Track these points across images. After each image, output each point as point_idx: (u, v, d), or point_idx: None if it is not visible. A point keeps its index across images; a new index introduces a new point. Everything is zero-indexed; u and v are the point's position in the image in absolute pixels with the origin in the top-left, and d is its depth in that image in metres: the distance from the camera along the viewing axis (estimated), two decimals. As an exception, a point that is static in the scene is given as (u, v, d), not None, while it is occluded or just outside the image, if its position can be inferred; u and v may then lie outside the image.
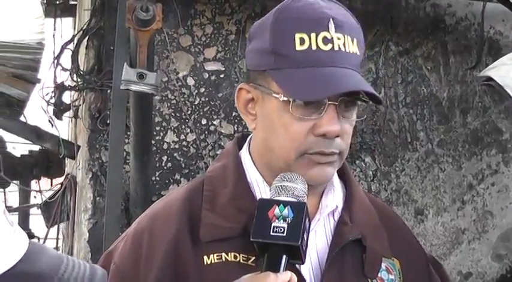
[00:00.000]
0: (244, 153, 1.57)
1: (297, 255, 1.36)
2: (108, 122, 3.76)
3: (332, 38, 1.44)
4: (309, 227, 1.38)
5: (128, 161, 3.73)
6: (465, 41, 4.51)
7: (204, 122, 4.02)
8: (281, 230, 1.34)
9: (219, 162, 1.60)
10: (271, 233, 1.34)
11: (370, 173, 4.34)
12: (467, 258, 4.51)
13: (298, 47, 1.44)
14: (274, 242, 1.35)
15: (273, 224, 1.35)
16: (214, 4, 4.04)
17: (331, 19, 1.45)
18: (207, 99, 4.02)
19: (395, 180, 4.38)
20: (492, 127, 4.61)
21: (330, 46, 1.44)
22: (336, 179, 1.59)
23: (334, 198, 1.56)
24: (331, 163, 1.47)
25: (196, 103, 4.01)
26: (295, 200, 1.38)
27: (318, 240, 1.52)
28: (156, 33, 3.23)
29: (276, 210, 1.36)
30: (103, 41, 3.94)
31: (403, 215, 4.27)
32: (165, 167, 3.96)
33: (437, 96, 4.48)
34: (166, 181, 3.95)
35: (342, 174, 1.62)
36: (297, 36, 1.44)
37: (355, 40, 1.47)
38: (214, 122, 4.03)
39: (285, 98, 1.44)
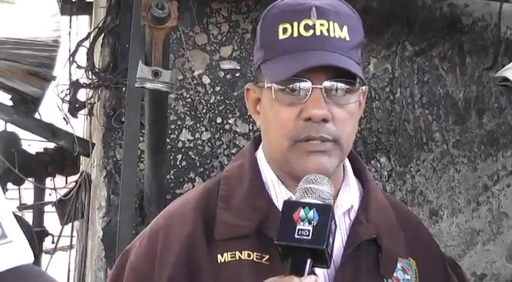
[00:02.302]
0: (260, 153, 1.59)
1: (322, 258, 1.33)
2: (122, 120, 3.76)
3: (314, 24, 1.46)
4: (335, 230, 1.36)
5: (142, 159, 3.73)
6: (482, 41, 4.50)
7: (219, 120, 4.02)
8: (306, 233, 1.31)
9: (236, 162, 1.62)
10: (296, 236, 1.31)
11: (385, 173, 4.33)
12: (482, 259, 4.49)
13: (281, 36, 1.47)
14: (299, 245, 1.32)
15: (298, 227, 1.31)
16: (231, 2, 4.04)
17: (313, 7, 1.47)
18: (222, 97, 4.02)
19: (411, 181, 4.37)
20: (508, 128, 4.59)
21: (311, 32, 1.46)
22: (351, 178, 1.59)
23: (349, 197, 1.56)
24: (325, 152, 1.46)
25: (211, 102, 4.01)
26: (321, 203, 1.35)
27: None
28: (171, 31, 3.23)
29: (301, 212, 1.32)
30: (118, 38, 3.95)
31: (418, 215, 4.26)
32: (180, 166, 3.96)
33: (453, 96, 4.46)
34: (181, 180, 3.95)
35: (359, 173, 1.62)
36: (281, 26, 1.47)
37: (344, 27, 1.48)
38: (230, 121, 4.03)
39: (269, 85, 1.47)
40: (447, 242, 4.40)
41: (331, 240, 1.33)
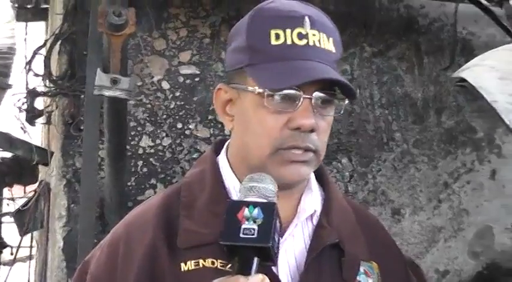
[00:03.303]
0: (221, 158, 1.58)
1: (268, 256, 1.33)
2: (81, 127, 3.74)
3: (307, 33, 1.46)
4: (280, 227, 1.36)
5: (102, 167, 3.71)
6: (438, 41, 4.55)
7: (179, 126, 4.01)
8: (251, 231, 1.31)
9: (196, 168, 1.60)
10: (241, 235, 1.31)
11: (347, 174, 4.36)
12: (444, 256, 4.55)
13: (274, 42, 1.46)
14: (244, 245, 1.32)
15: (243, 226, 1.32)
16: (188, 7, 4.04)
17: (306, 16, 1.47)
18: (182, 103, 4.01)
19: (372, 181, 4.40)
20: (466, 126, 4.65)
21: (304, 41, 1.46)
22: (313, 182, 1.59)
23: (312, 201, 1.56)
24: (306, 162, 1.47)
25: (171, 107, 4.00)
26: (265, 201, 1.35)
27: (296, 244, 1.52)
28: (129, 38, 3.22)
29: (246, 211, 1.32)
30: (75, 45, 3.92)
31: (380, 215, 4.29)
32: (141, 172, 3.95)
33: (412, 96, 4.51)
34: (142, 186, 3.94)
35: (320, 177, 1.63)
36: (272, 32, 1.46)
37: (331, 39, 1.49)
38: (190, 126, 4.03)
39: (260, 90, 1.45)
40: (409, 240, 4.45)
41: (276, 238, 1.33)
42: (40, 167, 5.52)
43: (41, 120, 4.55)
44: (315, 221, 1.56)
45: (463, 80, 2.05)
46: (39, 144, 5.00)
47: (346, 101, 1.50)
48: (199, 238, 1.47)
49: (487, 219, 4.66)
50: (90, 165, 3.48)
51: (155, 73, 3.98)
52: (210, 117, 3.99)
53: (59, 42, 3.98)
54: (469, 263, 4.61)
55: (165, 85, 4.01)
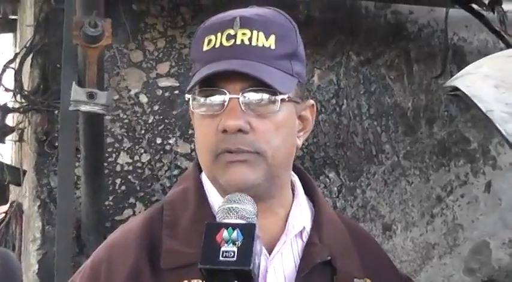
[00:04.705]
0: (205, 175, 1.58)
1: (248, 280, 1.33)
2: (56, 145, 3.73)
3: (236, 33, 1.49)
4: (261, 249, 1.37)
5: (78, 186, 3.70)
6: (429, 48, 4.59)
7: (158, 141, 4.02)
8: (231, 254, 1.31)
9: (179, 186, 1.62)
10: (221, 258, 1.31)
11: (335, 189, 4.37)
12: (439, 273, 4.57)
13: (205, 48, 1.51)
14: (224, 268, 1.32)
15: (222, 249, 1.32)
16: (166, 17, 4.05)
17: (237, 17, 1.51)
18: (161, 117, 4.02)
19: (361, 196, 4.42)
20: (459, 137, 4.68)
21: (232, 41, 1.49)
22: (302, 197, 1.61)
23: (301, 218, 1.58)
24: (245, 162, 1.47)
25: (150, 122, 4.01)
26: (244, 222, 1.36)
27: (285, 263, 1.54)
28: (105, 50, 3.22)
29: (224, 233, 1.33)
30: (48, 58, 3.91)
31: (371, 231, 4.30)
32: (119, 191, 3.94)
33: (401, 106, 4.54)
34: (121, 206, 3.94)
35: (309, 191, 1.64)
36: (206, 39, 1.52)
37: (272, 36, 1.51)
38: (170, 141, 4.03)
39: (189, 96, 1.51)
40: (402, 258, 4.46)
41: (256, 260, 1.33)
42: (11, 187, 5.49)
43: (12, 138, 4.54)
44: (304, 238, 1.57)
45: (456, 88, 2.06)
46: (10, 163, 4.97)
47: (281, 97, 1.49)
48: (183, 258, 1.48)
49: (483, 234, 4.69)
50: (66, 184, 3.47)
51: (132, 86, 3.99)
52: (190, 131, 3.99)
53: (30, 55, 3.97)
54: (465, 280, 4.64)
55: (143, 98, 4.01)
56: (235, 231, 1.33)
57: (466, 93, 1.94)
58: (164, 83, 4.05)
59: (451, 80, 2.11)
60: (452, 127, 4.66)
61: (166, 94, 4.04)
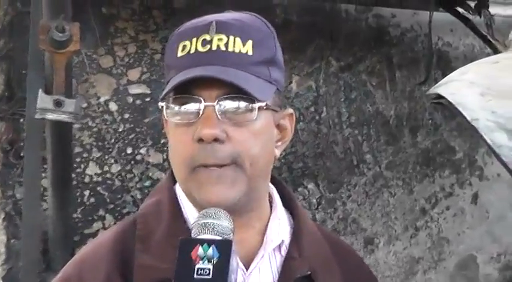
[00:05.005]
0: (179, 186, 1.60)
1: None
2: (21, 154, 3.72)
3: (211, 39, 1.50)
4: (237, 265, 1.38)
5: (45, 198, 3.69)
6: (412, 53, 4.61)
7: (129, 151, 4.01)
8: (206, 272, 1.31)
9: (152, 198, 1.63)
10: (195, 276, 1.31)
11: (314, 200, 4.38)
12: (423, 289, 4.59)
13: (179, 54, 1.52)
14: None
15: (197, 266, 1.32)
16: (137, 21, 4.04)
17: (213, 22, 1.52)
18: (132, 125, 4.02)
19: (342, 208, 4.43)
20: (444, 146, 4.71)
21: (207, 47, 1.50)
22: (280, 210, 1.62)
23: (280, 231, 1.59)
24: (222, 180, 1.48)
25: (120, 130, 4.00)
26: (220, 238, 1.37)
27: (263, 278, 1.55)
28: (73, 55, 3.22)
29: (200, 250, 1.33)
30: (13, 64, 3.90)
31: (352, 245, 4.32)
32: (88, 203, 3.93)
33: (384, 114, 4.56)
34: (90, 218, 3.92)
35: (288, 203, 1.66)
36: (181, 44, 1.53)
37: (249, 41, 1.52)
38: (141, 151, 4.03)
39: (161, 104, 1.51)
40: (385, 273, 4.48)
41: (233, 277, 1.34)
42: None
43: (-26, 148, 4.52)
44: (283, 252, 1.58)
45: (440, 96, 2.08)
46: (-28, 174, 4.94)
47: (259, 104, 1.49)
48: (157, 273, 1.49)
49: (470, 248, 4.72)
50: (31, 196, 3.46)
51: (102, 93, 3.98)
52: (163, 140, 3.99)
53: (-6, 61, 3.97)
54: (450, 296, 4.67)
55: (113, 106, 4.01)
56: (211, 248, 1.33)
57: (451, 101, 1.96)
58: (135, 90, 4.04)
59: (434, 87, 2.13)
60: (436, 136, 4.69)
61: (138, 102, 4.03)
